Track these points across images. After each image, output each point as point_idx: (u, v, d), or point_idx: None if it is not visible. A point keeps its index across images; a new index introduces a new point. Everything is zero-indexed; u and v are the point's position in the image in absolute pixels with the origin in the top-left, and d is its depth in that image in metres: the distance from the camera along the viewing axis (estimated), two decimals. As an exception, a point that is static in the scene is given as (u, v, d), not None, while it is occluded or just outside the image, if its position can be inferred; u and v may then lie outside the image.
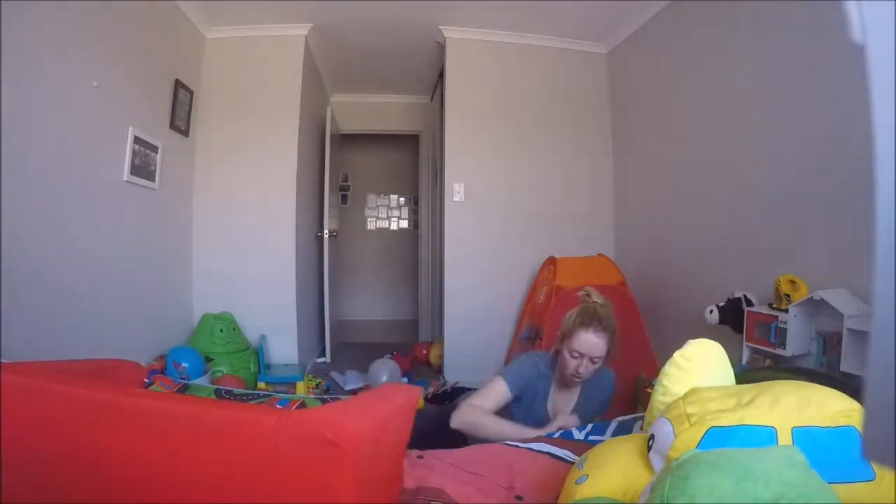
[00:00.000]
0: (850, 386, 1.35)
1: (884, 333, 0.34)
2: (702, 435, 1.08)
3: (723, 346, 1.44)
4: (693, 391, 1.23)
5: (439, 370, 3.51)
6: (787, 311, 1.83)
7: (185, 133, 3.01)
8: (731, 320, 2.12)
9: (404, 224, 6.37)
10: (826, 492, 0.76)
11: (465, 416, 1.60)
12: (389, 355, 3.59)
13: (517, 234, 3.40)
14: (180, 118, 2.92)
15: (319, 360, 3.92)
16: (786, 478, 0.74)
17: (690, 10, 2.67)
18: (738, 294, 2.15)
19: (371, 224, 6.35)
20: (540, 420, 1.70)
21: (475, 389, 1.80)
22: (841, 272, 1.78)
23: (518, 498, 1.54)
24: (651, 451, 1.19)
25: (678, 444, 1.10)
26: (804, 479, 0.75)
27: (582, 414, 1.69)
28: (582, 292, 1.71)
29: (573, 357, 1.61)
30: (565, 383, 1.73)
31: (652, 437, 1.21)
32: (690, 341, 1.41)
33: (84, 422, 1.02)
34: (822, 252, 1.88)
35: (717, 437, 1.06)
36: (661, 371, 1.40)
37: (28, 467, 1.05)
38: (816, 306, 1.77)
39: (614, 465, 1.23)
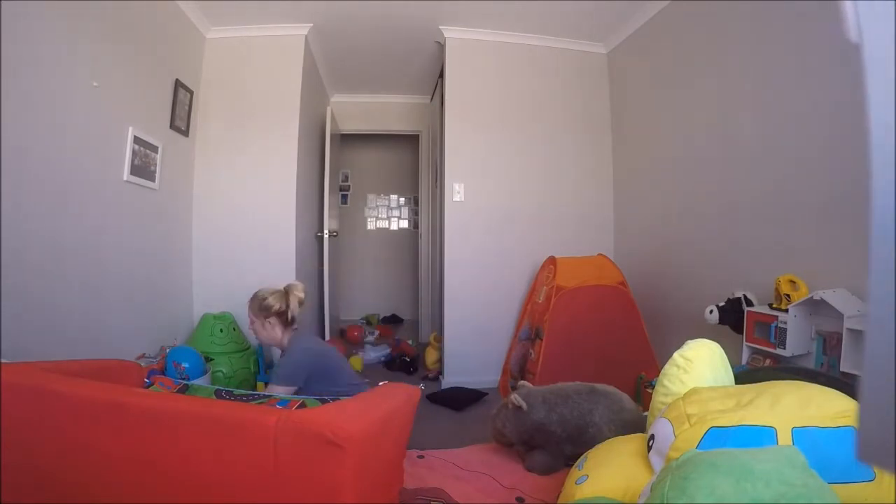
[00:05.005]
0: (851, 386, 1.35)
1: (880, 337, 0.34)
2: (702, 435, 1.08)
3: (723, 346, 1.45)
4: (693, 391, 1.24)
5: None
6: (787, 311, 1.82)
7: (185, 133, 3.01)
8: (731, 320, 2.12)
9: (404, 224, 6.37)
10: (826, 492, 0.76)
11: None
12: None
13: (517, 233, 3.40)
14: (180, 118, 2.92)
15: (319, 360, 3.91)
16: (786, 478, 0.74)
17: (690, 10, 2.67)
18: (738, 294, 2.15)
19: (371, 224, 6.35)
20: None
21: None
22: (841, 272, 1.78)
23: (518, 499, 1.54)
24: (651, 452, 1.19)
25: (678, 444, 1.10)
26: (804, 479, 0.75)
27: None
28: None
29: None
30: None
31: (652, 437, 1.21)
32: (690, 341, 1.41)
33: (84, 422, 1.02)
34: (822, 252, 1.88)
35: (717, 437, 1.06)
36: (661, 371, 1.40)
37: (28, 467, 1.05)
38: (816, 306, 1.77)
39: (614, 465, 1.23)
